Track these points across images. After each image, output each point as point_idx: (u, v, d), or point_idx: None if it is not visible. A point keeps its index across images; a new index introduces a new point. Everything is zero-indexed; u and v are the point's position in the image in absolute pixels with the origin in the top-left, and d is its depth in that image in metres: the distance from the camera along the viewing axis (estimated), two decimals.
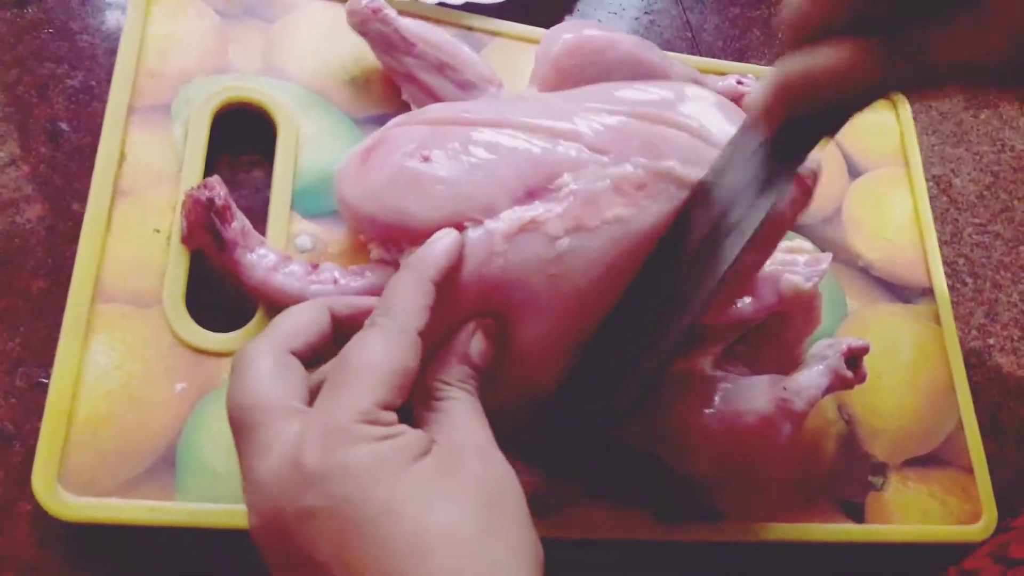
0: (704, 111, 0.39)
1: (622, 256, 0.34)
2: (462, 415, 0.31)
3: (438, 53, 0.45)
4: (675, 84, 0.42)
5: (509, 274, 0.34)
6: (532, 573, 0.27)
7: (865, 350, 0.43)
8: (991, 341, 0.56)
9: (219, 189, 0.39)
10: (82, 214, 0.39)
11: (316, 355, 0.32)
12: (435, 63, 0.45)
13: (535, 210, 0.35)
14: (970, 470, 0.49)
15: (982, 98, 0.65)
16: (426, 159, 0.36)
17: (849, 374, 0.42)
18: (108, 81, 0.42)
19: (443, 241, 0.33)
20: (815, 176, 0.39)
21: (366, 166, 0.38)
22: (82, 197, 0.40)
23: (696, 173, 0.35)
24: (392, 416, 0.29)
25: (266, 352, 0.30)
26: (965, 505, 0.48)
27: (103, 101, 0.41)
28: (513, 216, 0.34)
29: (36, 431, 0.35)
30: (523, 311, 0.34)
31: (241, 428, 0.29)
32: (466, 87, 0.45)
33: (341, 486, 0.26)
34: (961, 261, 0.58)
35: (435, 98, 0.45)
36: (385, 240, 0.39)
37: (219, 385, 0.38)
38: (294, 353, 0.31)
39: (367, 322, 0.31)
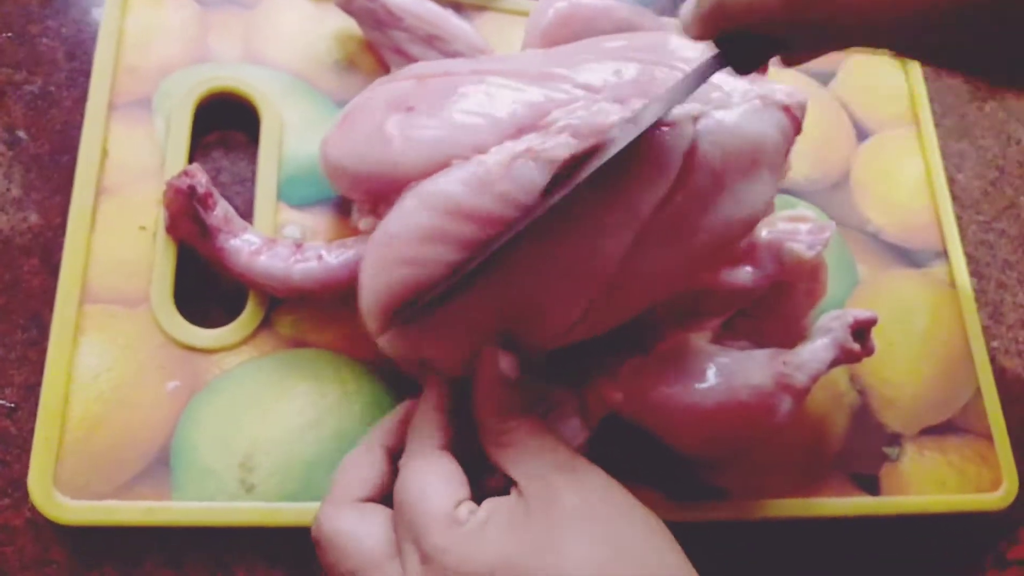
0: (691, 53, 0.38)
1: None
2: (530, 442, 0.32)
3: (426, 25, 0.43)
4: (660, 34, 0.40)
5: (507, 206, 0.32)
6: (667, 547, 0.29)
7: (873, 322, 0.41)
8: (996, 344, 0.53)
9: (200, 176, 0.38)
10: (40, 226, 0.38)
11: (385, 496, 0.33)
12: (424, 36, 0.43)
13: (529, 141, 0.33)
14: (989, 436, 0.47)
15: (986, 90, 0.61)
16: (409, 109, 0.35)
17: (856, 347, 0.40)
18: (69, 86, 0.41)
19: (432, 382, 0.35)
20: (802, 107, 0.38)
21: (349, 124, 0.37)
22: (41, 209, 0.39)
23: (689, 107, 0.35)
24: (470, 506, 0.30)
25: (338, 513, 0.32)
26: (984, 473, 0.46)
27: (63, 107, 0.41)
28: (505, 148, 0.33)
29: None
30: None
31: None
32: (456, 58, 0.43)
33: None
34: (965, 260, 0.55)
35: None
36: (373, 198, 0.37)
37: (211, 381, 0.38)
38: (363, 500, 0.32)
39: (401, 464, 0.33)
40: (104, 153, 0.40)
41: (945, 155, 0.58)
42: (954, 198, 0.57)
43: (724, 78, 0.37)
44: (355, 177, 0.36)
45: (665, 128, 0.34)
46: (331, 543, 0.31)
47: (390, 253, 0.33)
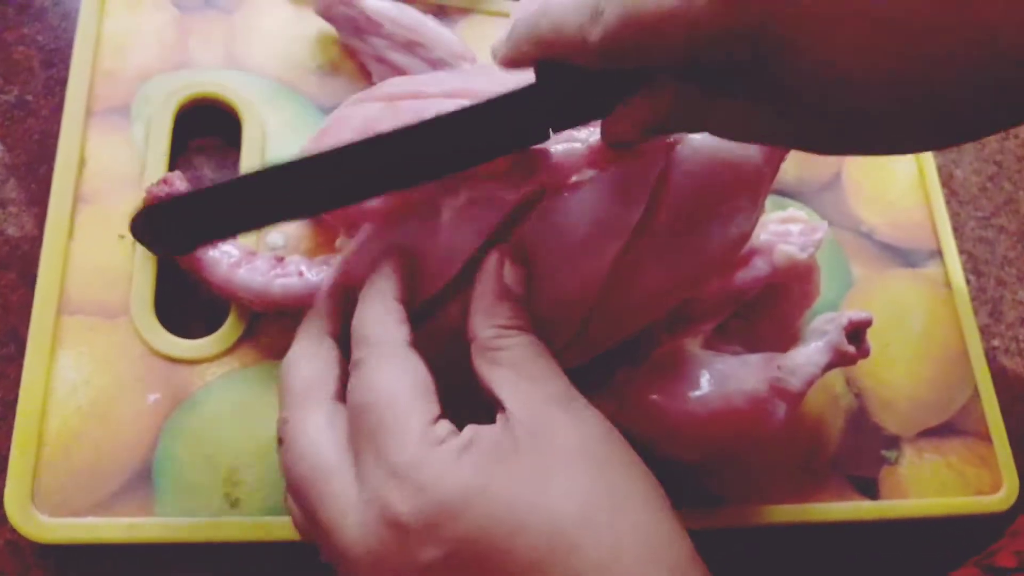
0: None
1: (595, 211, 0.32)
2: (528, 365, 0.28)
3: (407, 32, 0.43)
4: None
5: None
6: (665, 513, 0.26)
7: (868, 323, 0.41)
8: (995, 343, 0.53)
9: (179, 184, 0.37)
10: (17, 239, 0.38)
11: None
12: (404, 42, 0.43)
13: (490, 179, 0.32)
14: (988, 438, 0.47)
15: None
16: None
17: (851, 349, 0.40)
18: (46, 95, 0.40)
19: (388, 264, 0.31)
20: None
21: (324, 137, 0.36)
22: (18, 221, 0.39)
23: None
24: (448, 425, 0.26)
25: (306, 412, 0.28)
26: (984, 475, 0.46)
27: (40, 116, 0.40)
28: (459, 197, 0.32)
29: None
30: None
31: (305, 503, 0.27)
32: (438, 65, 0.43)
33: (451, 526, 0.24)
34: (963, 258, 0.54)
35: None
36: (346, 224, 0.37)
37: (194, 393, 0.37)
38: (332, 397, 0.29)
39: (351, 365, 0.28)
40: (82, 161, 0.39)
41: (943, 151, 0.57)
42: (952, 194, 0.56)
43: None
44: None
45: (634, 159, 0.32)
46: (293, 443, 0.27)
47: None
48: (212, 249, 0.37)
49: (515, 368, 0.28)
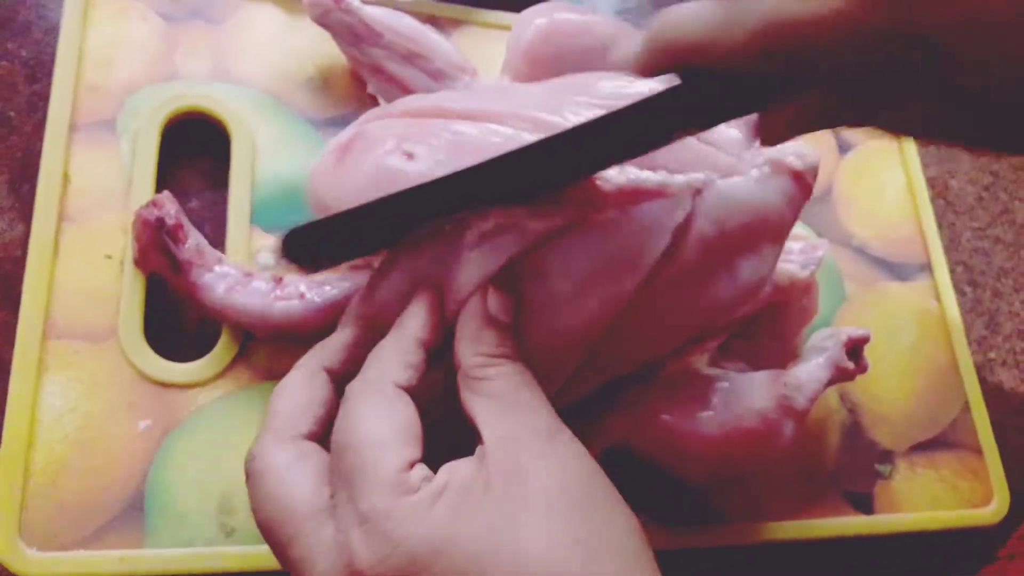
0: None
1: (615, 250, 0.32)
2: (511, 395, 0.27)
3: (407, 42, 0.42)
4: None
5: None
6: (642, 562, 0.25)
7: (865, 339, 0.41)
8: (992, 355, 0.53)
9: (169, 206, 0.36)
10: None
11: (330, 423, 0.28)
12: (404, 53, 0.42)
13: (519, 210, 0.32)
14: (979, 451, 0.47)
15: None
16: (409, 156, 0.33)
17: (851, 365, 0.40)
18: (29, 111, 0.39)
19: (419, 303, 0.30)
20: (814, 170, 0.36)
21: (343, 165, 0.35)
22: (0, 241, 0.37)
23: (692, 176, 0.33)
24: (423, 471, 0.25)
25: (274, 449, 0.27)
26: (976, 488, 0.46)
27: (23, 133, 0.38)
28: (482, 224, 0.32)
29: None
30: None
31: (275, 545, 0.26)
32: (438, 76, 0.42)
33: None
34: (959, 269, 0.55)
35: (405, 90, 0.42)
36: None
37: (186, 419, 0.36)
38: (306, 436, 0.28)
39: (347, 394, 0.28)
40: (66, 178, 0.38)
41: (938, 161, 0.58)
42: (948, 204, 0.57)
43: (733, 132, 0.35)
44: None
45: (659, 201, 0.32)
46: (261, 480, 0.26)
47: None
48: (207, 272, 0.36)
49: (497, 399, 0.27)
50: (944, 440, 0.47)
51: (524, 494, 0.24)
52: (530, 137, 0.33)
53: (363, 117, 0.38)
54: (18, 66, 0.42)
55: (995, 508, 0.46)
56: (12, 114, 0.41)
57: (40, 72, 0.42)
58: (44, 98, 0.40)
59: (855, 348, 0.41)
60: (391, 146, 0.34)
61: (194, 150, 0.41)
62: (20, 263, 0.37)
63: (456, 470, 0.25)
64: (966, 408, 0.48)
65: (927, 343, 0.49)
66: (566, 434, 0.27)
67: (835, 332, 0.41)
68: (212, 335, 0.38)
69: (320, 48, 0.44)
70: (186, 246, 0.36)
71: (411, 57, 0.42)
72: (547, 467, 0.25)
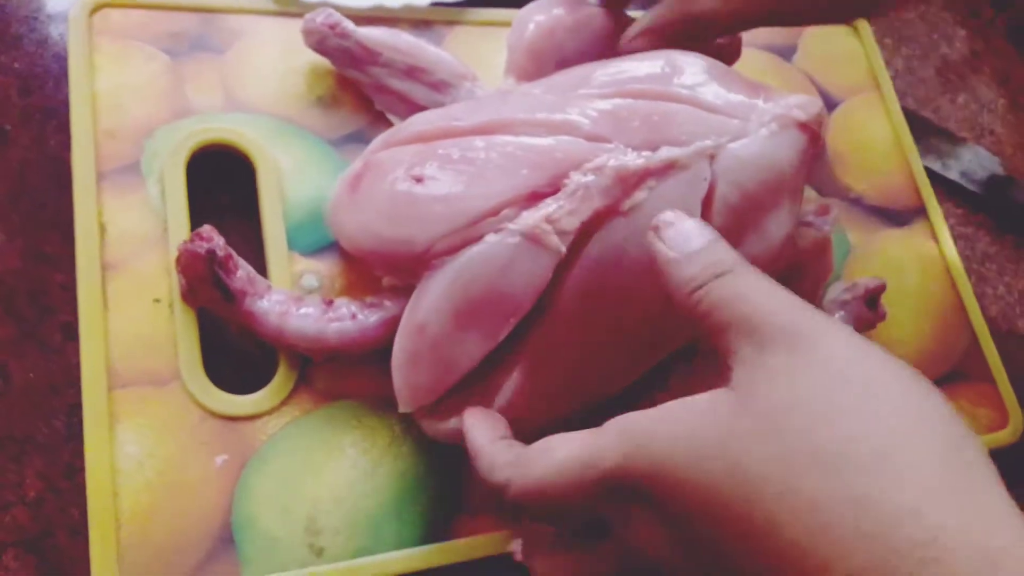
0: (695, 77, 0.38)
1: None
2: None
3: (405, 58, 0.42)
4: (658, 54, 0.40)
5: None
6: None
7: (882, 288, 0.43)
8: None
9: (216, 239, 0.37)
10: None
11: None
12: (403, 68, 0.43)
13: (546, 208, 0.33)
14: (991, 379, 0.50)
15: (961, 81, 0.63)
16: (419, 180, 0.34)
17: (871, 315, 0.42)
18: (24, 123, 0.39)
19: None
20: (820, 119, 0.38)
21: (357, 197, 0.36)
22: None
23: (702, 144, 0.35)
24: None
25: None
26: (993, 414, 0.49)
27: (19, 146, 0.38)
28: (523, 220, 0.33)
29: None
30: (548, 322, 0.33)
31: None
32: (440, 87, 0.43)
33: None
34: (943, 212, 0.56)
35: (409, 103, 0.43)
36: (393, 270, 0.37)
37: (260, 448, 0.37)
38: None
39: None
40: (101, 228, 0.38)
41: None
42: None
43: (734, 96, 0.37)
44: (372, 253, 0.36)
45: (678, 175, 0.34)
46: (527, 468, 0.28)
47: (422, 345, 0.34)
48: (260, 300, 0.37)
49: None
50: (959, 372, 0.50)
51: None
52: (543, 141, 0.34)
53: (371, 146, 0.38)
54: (12, 79, 0.42)
55: (1011, 429, 0.49)
56: (8, 127, 0.40)
57: (34, 84, 0.41)
58: (39, 110, 0.40)
59: (872, 298, 0.43)
60: (401, 173, 0.35)
61: (212, 183, 0.41)
62: (20, 275, 0.38)
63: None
64: (974, 340, 0.51)
65: (931, 283, 0.51)
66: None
67: (852, 285, 0.44)
68: (268, 362, 0.38)
69: (323, 67, 0.44)
70: (238, 275, 0.37)
71: (411, 72, 0.43)
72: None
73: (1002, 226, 0.58)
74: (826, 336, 0.25)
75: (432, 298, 0.33)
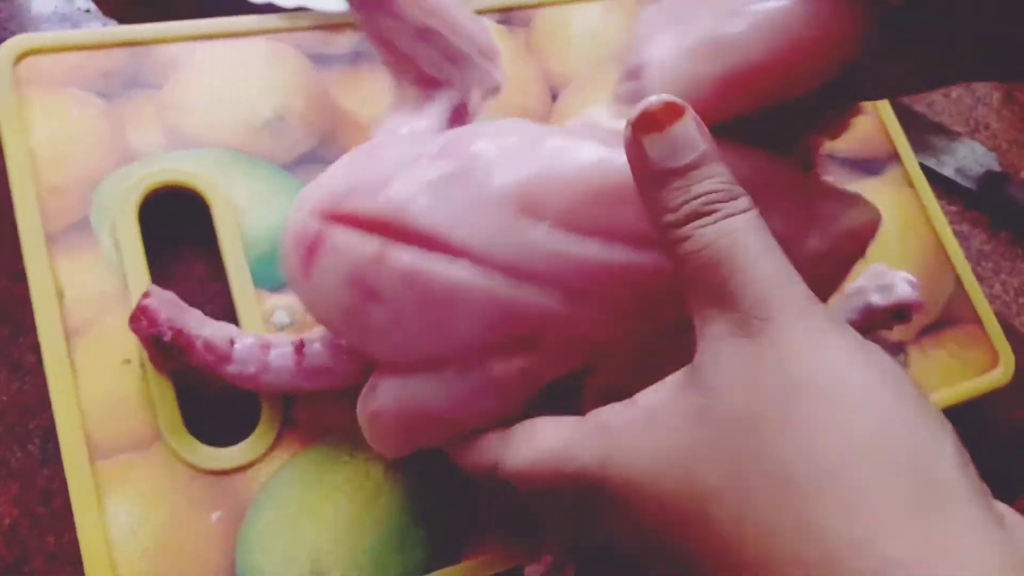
0: None
1: None
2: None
3: (424, 16, 0.36)
4: None
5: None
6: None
7: (917, 308, 0.44)
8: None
9: (161, 312, 0.35)
10: None
11: None
12: (418, 27, 0.36)
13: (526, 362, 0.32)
14: (978, 320, 0.50)
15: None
16: (375, 297, 0.31)
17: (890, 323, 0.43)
18: None
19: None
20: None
21: (311, 278, 0.33)
22: None
23: None
24: None
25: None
26: (982, 355, 0.49)
27: None
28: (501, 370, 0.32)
29: None
30: None
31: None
32: (455, 58, 0.37)
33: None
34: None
35: (415, 70, 0.37)
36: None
37: (254, 498, 0.36)
38: None
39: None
40: (59, 294, 0.36)
41: None
42: None
43: None
44: (332, 333, 0.36)
45: None
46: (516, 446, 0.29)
47: (380, 428, 0.34)
48: (225, 364, 0.35)
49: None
50: (946, 318, 0.49)
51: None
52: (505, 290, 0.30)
53: (302, 194, 0.34)
54: None
55: (1002, 369, 0.49)
56: None
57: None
58: None
59: (900, 312, 0.43)
60: (354, 278, 0.31)
61: (167, 220, 0.40)
62: None
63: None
64: (958, 283, 0.50)
65: (912, 229, 0.51)
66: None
67: (884, 287, 0.43)
68: (249, 402, 0.37)
69: (268, 86, 0.42)
70: (196, 350, 0.35)
71: (424, 34, 0.36)
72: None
73: (997, 223, 0.58)
74: (797, 324, 0.23)
75: (385, 400, 0.33)
